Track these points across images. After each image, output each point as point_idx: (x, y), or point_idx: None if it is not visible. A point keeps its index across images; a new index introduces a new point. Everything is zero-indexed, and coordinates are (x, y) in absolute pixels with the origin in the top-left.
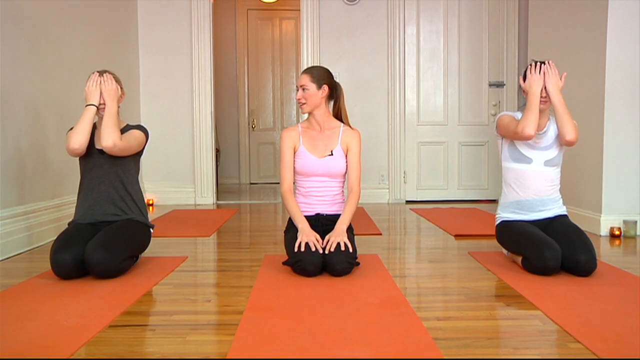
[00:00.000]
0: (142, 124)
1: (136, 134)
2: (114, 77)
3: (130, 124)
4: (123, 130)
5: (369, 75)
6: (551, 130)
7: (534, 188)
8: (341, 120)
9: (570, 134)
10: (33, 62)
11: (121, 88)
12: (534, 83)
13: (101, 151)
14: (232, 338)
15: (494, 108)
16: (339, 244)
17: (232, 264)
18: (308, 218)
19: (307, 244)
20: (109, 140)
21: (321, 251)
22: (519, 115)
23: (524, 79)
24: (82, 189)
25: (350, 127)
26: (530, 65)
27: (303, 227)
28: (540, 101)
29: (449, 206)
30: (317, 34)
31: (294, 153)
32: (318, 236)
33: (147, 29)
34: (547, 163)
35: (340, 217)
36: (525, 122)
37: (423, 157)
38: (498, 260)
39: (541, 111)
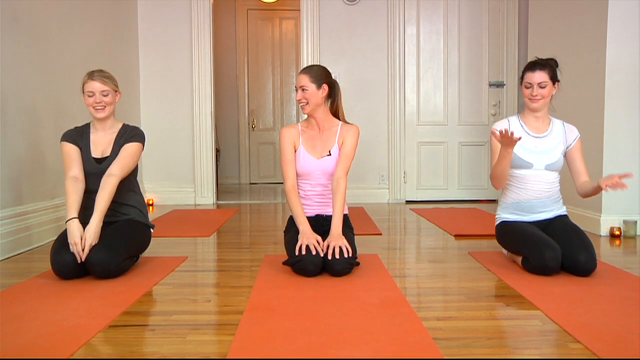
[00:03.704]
0: (138, 127)
1: (130, 149)
2: (108, 76)
3: (128, 124)
4: (120, 131)
5: (369, 75)
6: (554, 134)
7: (533, 190)
8: (339, 118)
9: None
10: (33, 62)
11: (116, 86)
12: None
13: (97, 160)
14: (232, 338)
15: (494, 108)
16: (340, 248)
17: (232, 264)
18: (308, 219)
19: (307, 247)
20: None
21: (322, 254)
22: (511, 123)
23: (522, 79)
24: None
25: (347, 123)
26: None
27: (304, 229)
28: (533, 99)
29: (449, 206)
30: (317, 34)
31: (294, 152)
32: (319, 238)
33: (147, 29)
34: (548, 167)
35: (333, 219)
36: (493, 180)
37: (423, 157)
38: (498, 260)
39: (537, 111)
